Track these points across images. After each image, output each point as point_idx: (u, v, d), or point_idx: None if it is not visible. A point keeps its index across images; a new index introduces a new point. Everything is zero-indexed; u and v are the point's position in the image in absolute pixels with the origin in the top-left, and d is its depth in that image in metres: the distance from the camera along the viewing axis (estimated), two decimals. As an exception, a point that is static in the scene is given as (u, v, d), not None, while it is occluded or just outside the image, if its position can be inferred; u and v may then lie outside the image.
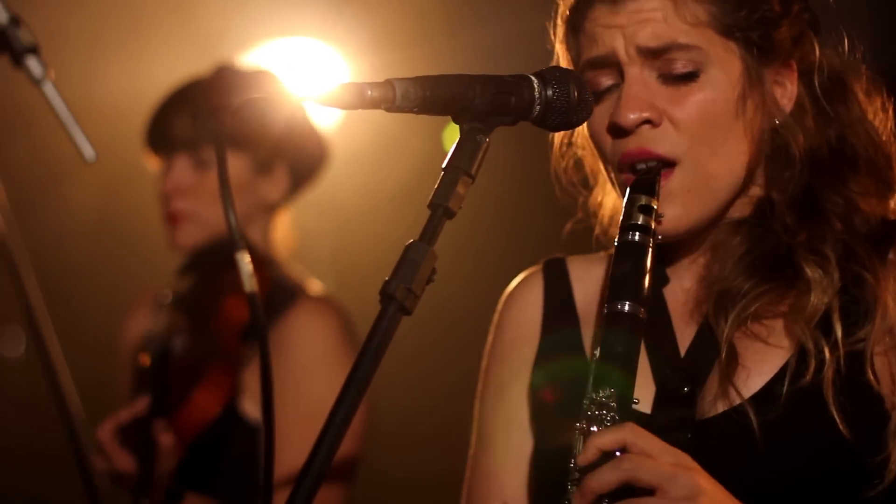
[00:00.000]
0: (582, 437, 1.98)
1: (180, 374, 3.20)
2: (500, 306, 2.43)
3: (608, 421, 1.98)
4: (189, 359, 3.23)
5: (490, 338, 2.42)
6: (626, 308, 2.04)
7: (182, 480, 3.15)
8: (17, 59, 2.54)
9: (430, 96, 1.90)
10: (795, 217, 2.19)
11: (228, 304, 3.22)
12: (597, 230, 2.40)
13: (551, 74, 2.03)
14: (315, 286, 3.48)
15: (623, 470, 1.90)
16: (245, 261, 1.75)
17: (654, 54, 2.12)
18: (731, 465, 2.06)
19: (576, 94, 2.03)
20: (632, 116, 2.12)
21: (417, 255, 1.81)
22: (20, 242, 3.38)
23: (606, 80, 2.17)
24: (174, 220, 3.40)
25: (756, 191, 2.23)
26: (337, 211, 6.10)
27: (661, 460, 1.92)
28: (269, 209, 3.49)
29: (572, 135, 2.36)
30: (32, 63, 2.54)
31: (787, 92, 2.21)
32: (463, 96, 1.93)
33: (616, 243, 2.11)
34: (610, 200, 2.35)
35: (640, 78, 2.13)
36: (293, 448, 2.74)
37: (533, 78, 2.02)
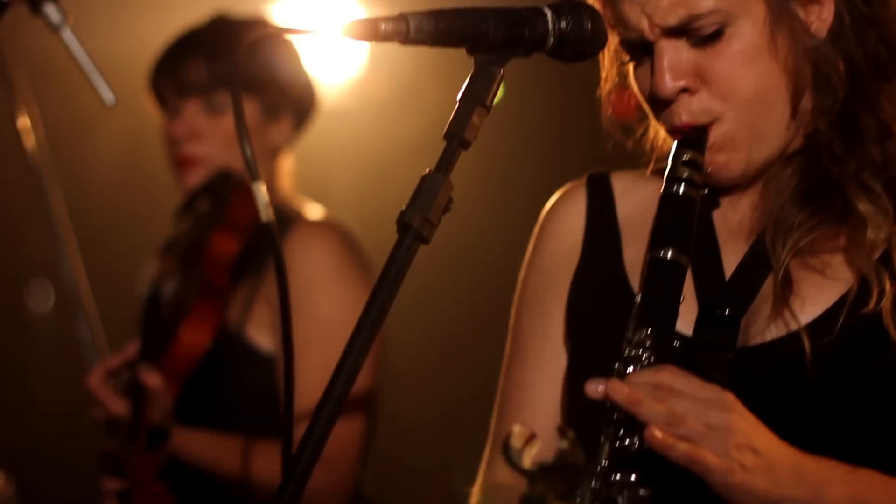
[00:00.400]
0: (619, 378, 1.98)
1: (170, 315, 3.21)
2: (541, 217, 2.42)
3: (644, 362, 1.99)
4: (178, 299, 3.24)
5: (530, 248, 2.42)
6: (669, 255, 2.05)
7: (188, 417, 3.15)
8: (35, 5, 2.56)
9: (443, 29, 1.91)
10: (842, 146, 2.18)
11: (216, 239, 3.23)
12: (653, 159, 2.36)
13: (565, 6, 2.03)
14: (315, 211, 3.47)
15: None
16: (262, 190, 1.77)
17: (677, 30, 2.13)
18: (778, 391, 2.06)
19: (589, 25, 2.03)
20: (669, 86, 2.13)
21: (434, 185, 1.83)
22: (57, 192, 3.42)
23: (642, 49, 2.18)
24: (187, 164, 3.42)
25: (805, 121, 2.21)
26: (361, 159, 6.13)
27: (697, 399, 1.93)
28: (274, 154, 3.51)
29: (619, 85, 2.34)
30: (50, 9, 2.56)
31: (823, 11, 2.19)
32: (476, 28, 1.94)
33: (661, 194, 2.14)
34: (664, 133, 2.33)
35: (669, 47, 2.14)
36: (303, 373, 2.77)
37: (547, 10, 2.02)
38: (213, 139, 3.40)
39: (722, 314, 2.14)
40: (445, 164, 1.86)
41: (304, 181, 3.73)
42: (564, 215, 2.38)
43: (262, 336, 3.27)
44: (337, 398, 1.73)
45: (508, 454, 1.63)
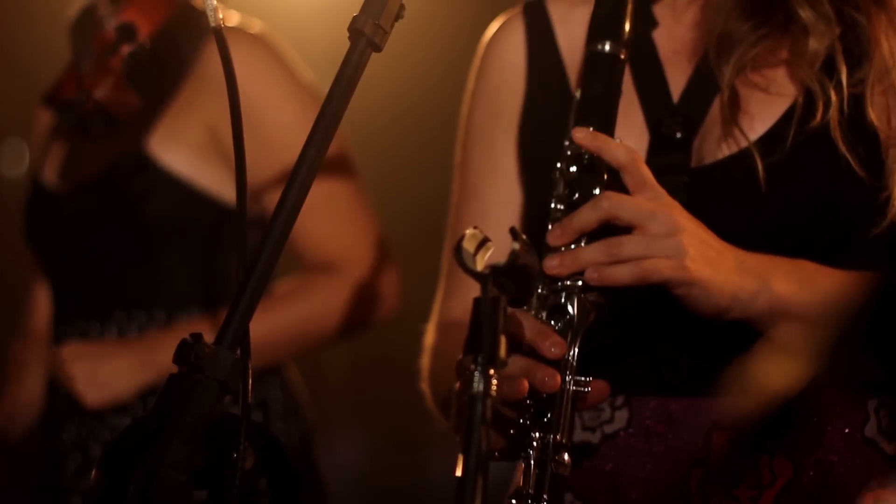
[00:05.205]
0: (562, 178, 1.97)
1: None
2: (480, 52, 2.38)
3: (585, 160, 1.96)
4: None
5: (471, 84, 2.39)
6: (607, 48, 2.01)
7: None
8: None
9: None
10: None
11: None
12: None
13: None
14: (247, 22, 3.26)
15: (603, 209, 1.91)
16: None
17: None
18: (734, 208, 2.05)
19: None
20: None
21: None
22: None
23: None
24: None
25: None
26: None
27: (640, 198, 1.92)
28: None
29: None
30: None
31: None
32: None
33: None
34: None
35: None
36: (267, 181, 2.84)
37: None
38: None
39: (673, 137, 2.13)
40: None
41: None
42: (504, 49, 2.34)
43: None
44: (292, 206, 1.71)
45: (460, 257, 1.62)
